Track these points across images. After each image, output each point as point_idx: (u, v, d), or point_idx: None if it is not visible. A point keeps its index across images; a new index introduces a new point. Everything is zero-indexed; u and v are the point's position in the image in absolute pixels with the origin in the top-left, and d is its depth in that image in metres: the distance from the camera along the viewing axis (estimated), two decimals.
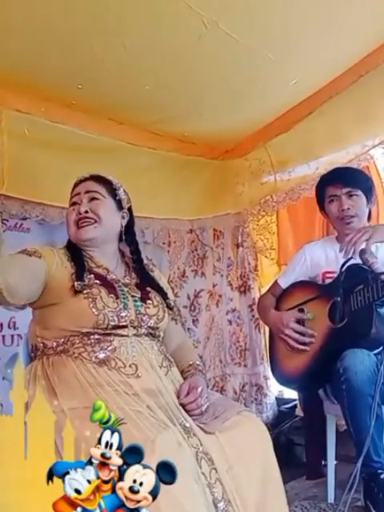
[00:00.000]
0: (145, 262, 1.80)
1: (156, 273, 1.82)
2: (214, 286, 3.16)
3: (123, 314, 1.53)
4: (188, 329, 2.95)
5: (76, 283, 1.52)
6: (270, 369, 2.53)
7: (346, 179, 2.24)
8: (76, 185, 1.74)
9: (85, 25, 1.85)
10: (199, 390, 1.52)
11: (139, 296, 1.62)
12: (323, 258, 2.25)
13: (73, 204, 1.70)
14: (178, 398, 1.49)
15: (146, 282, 1.70)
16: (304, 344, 2.15)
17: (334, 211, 2.25)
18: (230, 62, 2.20)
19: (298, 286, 2.35)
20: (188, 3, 1.78)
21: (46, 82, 2.14)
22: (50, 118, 2.30)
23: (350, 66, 2.42)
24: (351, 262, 2.02)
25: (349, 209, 2.19)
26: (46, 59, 2.01)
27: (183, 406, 1.47)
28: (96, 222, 1.65)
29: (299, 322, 2.21)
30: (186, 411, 1.46)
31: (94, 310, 1.50)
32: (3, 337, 2.28)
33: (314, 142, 2.76)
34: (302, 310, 2.24)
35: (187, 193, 2.97)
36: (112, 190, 1.72)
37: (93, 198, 1.68)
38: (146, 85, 2.24)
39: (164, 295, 1.70)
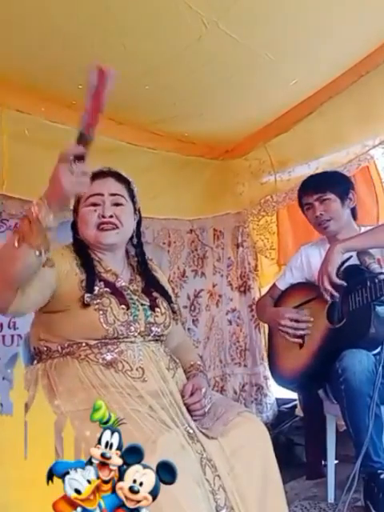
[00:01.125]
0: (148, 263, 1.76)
1: (159, 273, 1.79)
2: (213, 286, 3.16)
3: (132, 328, 1.51)
4: (188, 329, 2.95)
5: (86, 295, 1.47)
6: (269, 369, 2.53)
7: (315, 185, 2.28)
8: (93, 178, 1.57)
9: (85, 25, 1.85)
10: (203, 390, 1.51)
11: (148, 304, 1.59)
12: (319, 259, 2.25)
13: (93, 204, 1.60)
14: (182, 397, 1.48)
15: (151, 286, 1.67)
16: (302, 330, 2.17)
17: (311, 218, 2.31)
18: (230, 62, 2.20)
19: (296, 287, 2.36)
20: (188, 3, 1.79)
21: (46, 82, 2.14)
22: (50, 118, 2.30)
23: (350, 66, 2.43)
24: (349, 262, 2.03)
25: (322, 214, 2.23)
26: (46, 59, 2.01)
27: (187, 406, 1.47)
28: (118, 228, 1.60)
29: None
30: (190, 411, 1.46)
31: (104, 324, 1.46)
32: (3, 337, 2.28)
33: (314, 142, 2.76)
34: None
35: (187, 193, 2.97)
36: (130, 190, 1.67)
37: (117, 203, 1.61)
38: (145, 85, 2.25)
39: (169, 299, 1.68)
